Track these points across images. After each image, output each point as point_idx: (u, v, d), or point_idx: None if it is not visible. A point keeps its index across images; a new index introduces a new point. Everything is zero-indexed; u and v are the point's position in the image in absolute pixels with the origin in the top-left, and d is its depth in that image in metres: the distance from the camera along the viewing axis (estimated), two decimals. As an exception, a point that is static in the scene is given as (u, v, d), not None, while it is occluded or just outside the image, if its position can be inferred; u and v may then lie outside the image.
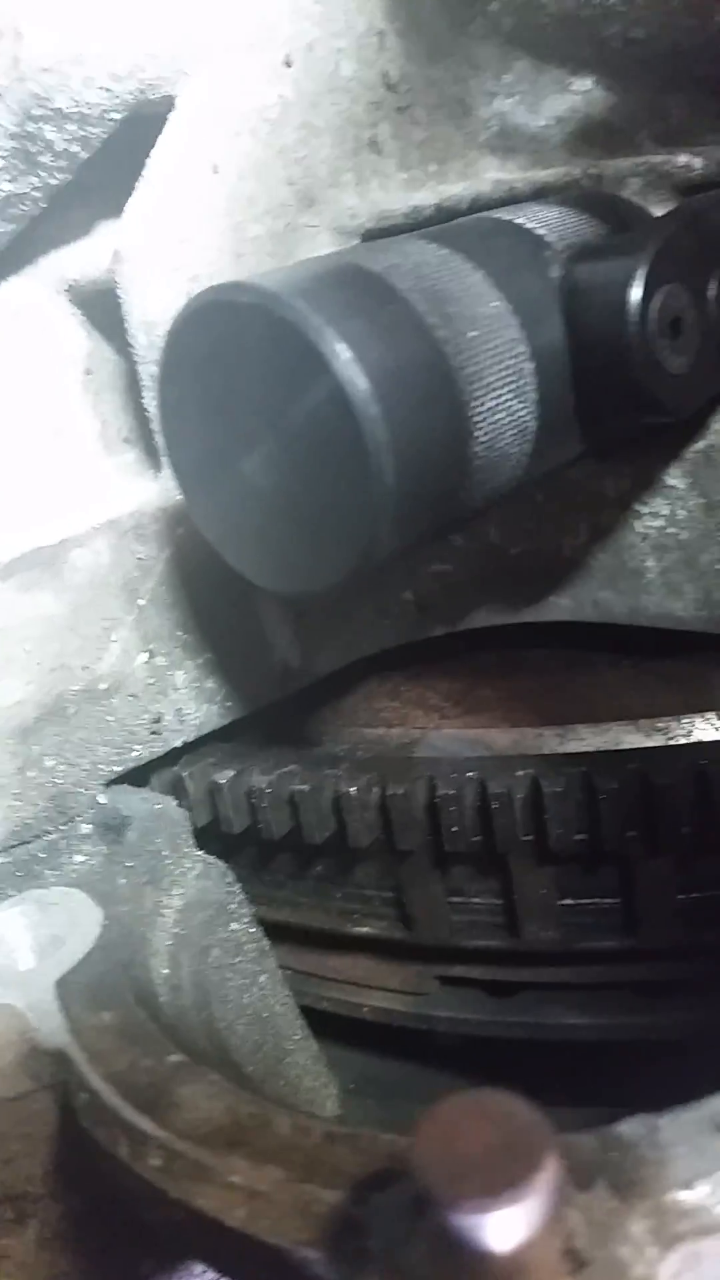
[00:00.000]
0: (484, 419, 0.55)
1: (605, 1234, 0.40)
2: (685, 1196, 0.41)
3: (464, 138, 0.83)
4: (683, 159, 0.74)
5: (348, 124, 0.82)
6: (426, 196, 0.81)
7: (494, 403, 0.56)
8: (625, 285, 0.58)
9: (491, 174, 0.82)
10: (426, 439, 0.52)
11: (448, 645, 0.90)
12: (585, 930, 0.78)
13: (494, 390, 0.55)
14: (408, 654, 0.90)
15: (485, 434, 0.56)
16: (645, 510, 0.78)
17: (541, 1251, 0.37)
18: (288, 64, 0.79)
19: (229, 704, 0.82)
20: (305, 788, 0.77)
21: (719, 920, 0.75)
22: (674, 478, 0.76)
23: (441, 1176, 0.36)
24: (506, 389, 0.56)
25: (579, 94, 0.79)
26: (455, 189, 0.80)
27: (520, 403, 0.57)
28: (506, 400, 0.56)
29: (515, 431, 0.58)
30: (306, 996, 0.92)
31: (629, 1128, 0.44)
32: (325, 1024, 0.96)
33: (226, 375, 0.55)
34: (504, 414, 0.56)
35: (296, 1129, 0.48)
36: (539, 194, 0.75)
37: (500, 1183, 0.36)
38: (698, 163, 0.73)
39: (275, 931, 0.90)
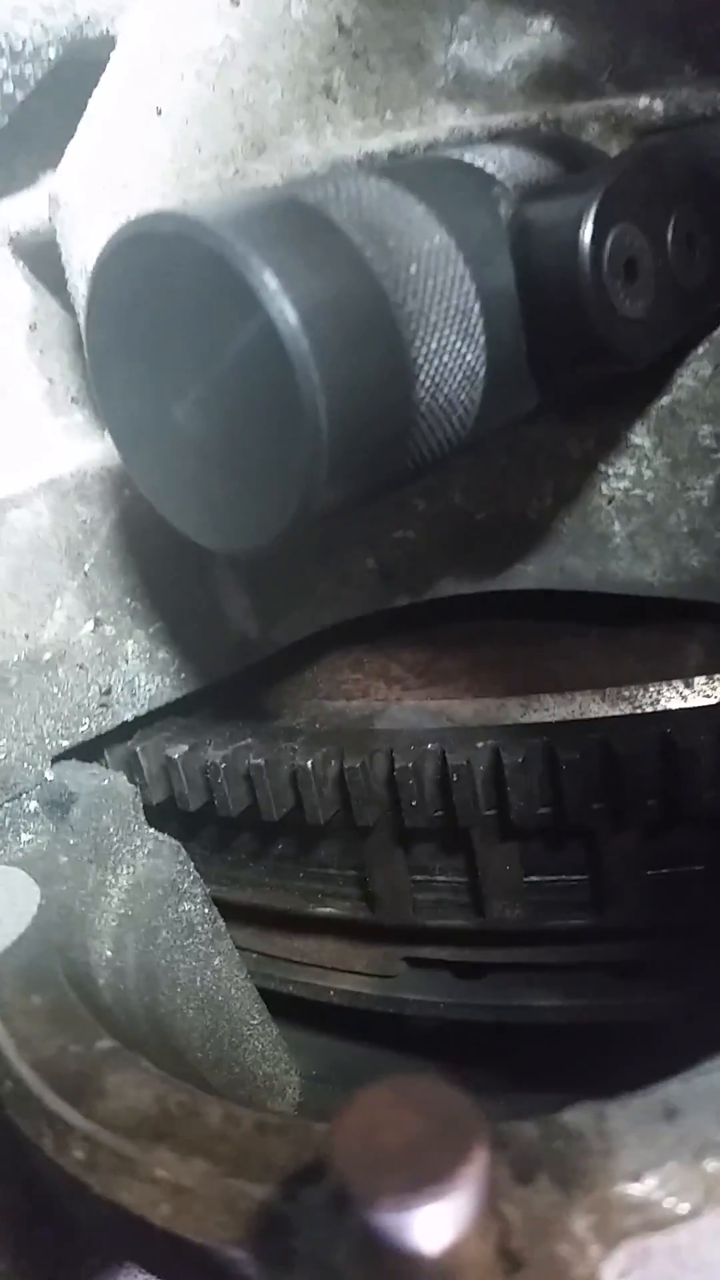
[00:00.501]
0: (427, 360, 0.52)
1: (545, 1231, 0.36)
2: (632, 1189, 0.38)
3: (420, 84, 0.79)
4: (643, 101, 0.70)
5: (299, 69, 0.78)
6: (381, 143, 0.77)
7: (437, 343, 0.52)
8: (576, 223, 0.55)
9: (449, 121, 0.78)
10: (363, 379, 0.49)
11: (414, 616, 0.86)
12: (552, 908, 0.75)
13: (437, 330, 0.52)
14: (372, 625, 0.87)
15: (429, 377, 0.52)
16: (610, 471, 0.75)
17: (473, 1251, 0.34)
18: (235, 3, 0.75)
19: (183, 676, 0.79)
20: (261, 762, 0.74)
21: (690, 897, 0.72)
22: (639, 436, 0.73)
23: (360, 1171, 0.33)
24: (451, 329, 0.53)
25: (537, 36, 0.76)
26: (410, 135, 0.76)
27: (467, 345, 0.54)
28: (452, 341, 0.53)
29: (462, 376, 0.54)
30: (272, 980, 0.89)
31: (574, 1115, 0.41)
32: (292, 1008, 0.93)
33: (154, 315, 0.51)
34: (449, 356, 0.53)
35: (227, 1119, 0.45)
36: (496, 140, 0.72)
37: (424, 1177, 0.33)
38: (658, 105, 0.70)
39: (238, 913, 0.87)
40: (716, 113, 0.69)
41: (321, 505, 0.51)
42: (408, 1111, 0.34)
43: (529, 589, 0.81)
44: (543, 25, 0.75)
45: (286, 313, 0.46)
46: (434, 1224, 0.33)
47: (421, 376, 0.52)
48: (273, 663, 0.85)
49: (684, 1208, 0.37)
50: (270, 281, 0.46)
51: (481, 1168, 0.33)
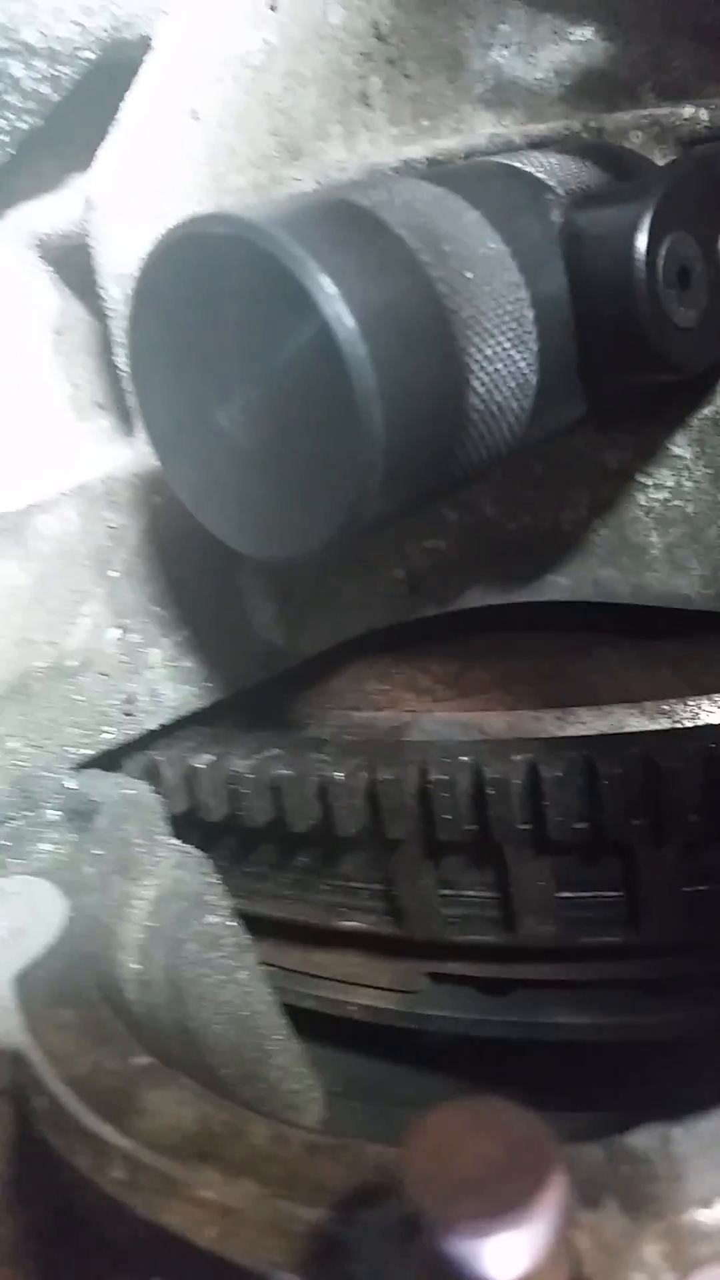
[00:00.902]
0: (481, 367, 0.51)
1: (616, 1259, 0.35)
2: (704, 1216, 0.37)
3: (457, 91, 0.79)
4: (688, 111, 0.69)
5: (336, 74, 0.78)
6: (419, 150, 0.76)
7: (492, 350, 0.51)
8: (631, 231, 0.54)
9: (487, 129, 0.77)
10: (419, 385, 0.48)
11: (442, 626, 0.85)
12: (585, 925, 0.73)
13: (492, 336, 0.51)
14: (400, 635, 0.86)
15: (483, 384, 0.51)
16: (649, 482, 0.74)
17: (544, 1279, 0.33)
18: (272, 8, 0.75)
19: (208, 684, 0.78)
20: (289, 773, 0.73)
21: (726, 915, 0.71)
22: (679, 446, 0.72)
23: (433, 1196, 0.32)
24: (505, 336, 0.52)
25: (578, 44, 0.75)
26: (449, 143, 0.76)
27: (520, 352, 0.53)
28: (505, 348, 0.52)
29: (515, 384, 0.53)
30: (291, 995, 0.88)
31: (640, 1139, 0.39)
32: (311, 1023, 0.92)
33: (202, 317, 0.50)
34: (502, 363, 0.52)
35: (274, 1139, 0.44)
36: (537, 148, 0.71)
37: (500, 1203, 0.31)
38: (703, 115, 0.69)
39: (258, 926, 0.86)
40: (760, 121, 0.68)
41: (372, 513, 0.50)
42: (480, 1135, 0.33)
43: (560, 600, 0.81)
44: (584, 32, 0.74)
45: (344, 317, 0.45)
46: (509, 1252, 0.31)
47: (475, 383, 0.51)
48: (298, 672, 0.84)
49: (758, 1236, 0.36)
50: (327, 285, 0.45)
51: (559, 1194, 0.32)
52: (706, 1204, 0.37)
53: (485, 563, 0.82)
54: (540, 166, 0.60)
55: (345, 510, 0.49)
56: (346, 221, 0.49)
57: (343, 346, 0.45)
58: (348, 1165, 0.42)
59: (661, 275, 0.55)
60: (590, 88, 0.75)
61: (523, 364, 0.54)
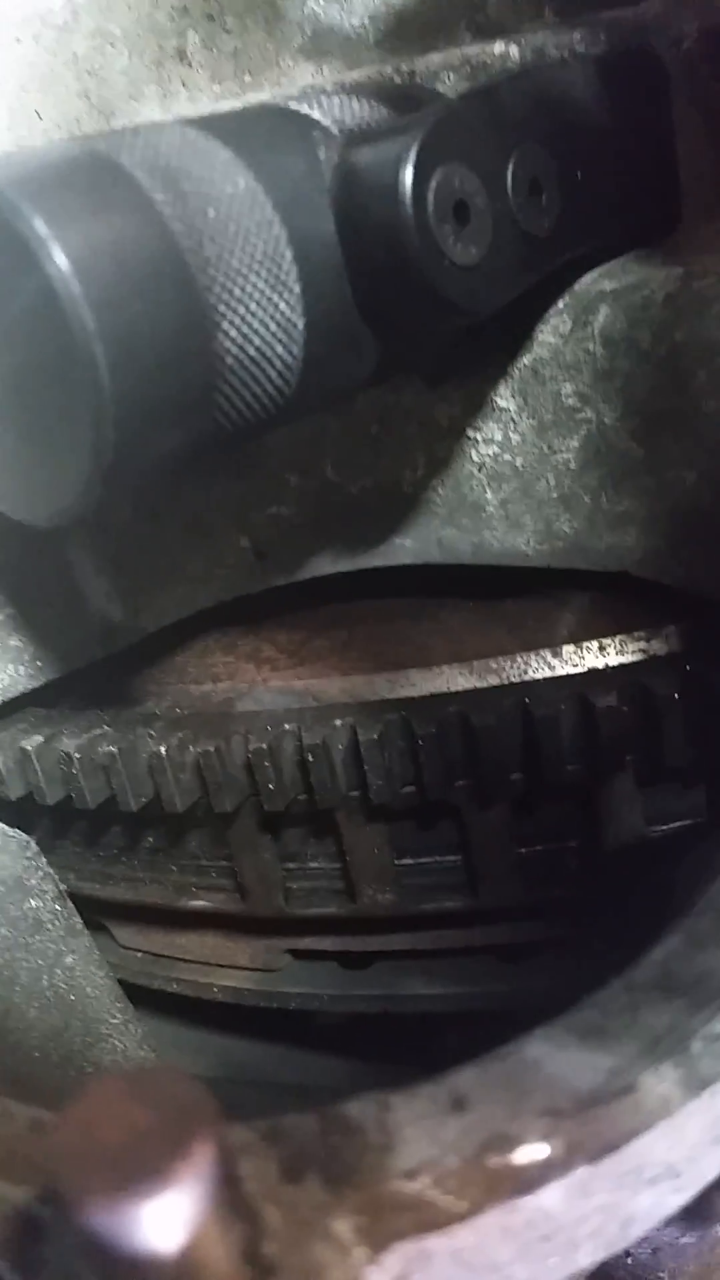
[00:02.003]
0: (230, 309, 0.49)
1: (304, 1234, 0.33)
2: (407, 1187, 0.35)
3: (277, 44, 0.76)
4: (498, 48, 0.67)
5: (149, 31, 0.75)
6: (233, 105, 0.74)
7: (241, 291, 0.49)
8: (397, 164, 0.52)
9: (305, 80, 0.75)
10: (153, 328, 0.46)
11: (297, 596, 0.83)
12: (426, 892, 0.72)
13: (240, 276, 0.49)
14: (256, 607, 0.84)
15: (234, 326, 0.49)
16: (479, 437, 0.72)
17: (211, 1256, 0.31)
18: (74, -37, 0.72)
19: (39, 664, 0.76)
20: (115, 749, 0.71)
21: (565, 874, 0.69)
22: (504, 398, 0.70)
23: (73, 1169, 0.30)
24: (258, 277, 0.50)
25: (391, -13, 0.73)
26: (263, 96, 0.73)
27: (278, 294, 0.51)
28: (259, 289, 0.50)
29: (275, 326, 0.51)
30: (157, 979, 0.86)
31: (356, 1106, 0.37)
32: (184, 1007, 0.90)
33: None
34: (256, 304, 0.50)
35: (1, 1116, 0.42)
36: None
37: (138, 1174, 0.29)
38: (514, 51, 0.67)
39: (118, 911, 0.84)
40: (572, 56, 0.66)
41: (122, 463, 0.47)
42: (135, 1104, 0.31)
43: (410, 564, 0.79)
44: (397, -25, 0.72)
45: (57, 258, 0.43)
46: (155, 1225, 0.29)
47: (224, 325, 0.49)
48: (146, 647, 0.82)
49: (461, 1206, 0.34)
50: (40, 227, 0.43)
51: (203, 1162, 0.30)
52: (411, 1175, 0.35)
53: (331, 528, 0.80)
54: (318, 107, 0.58)
55: (88, 459, 0.46)
56: (76, 166, 0.46)
57: (58, 287, 0.43)
58: (65, 1143, 0.40)
59: (433, 209, 0.52)
60: (405, 31, 0.73)
61: (283, 306, 0.51)
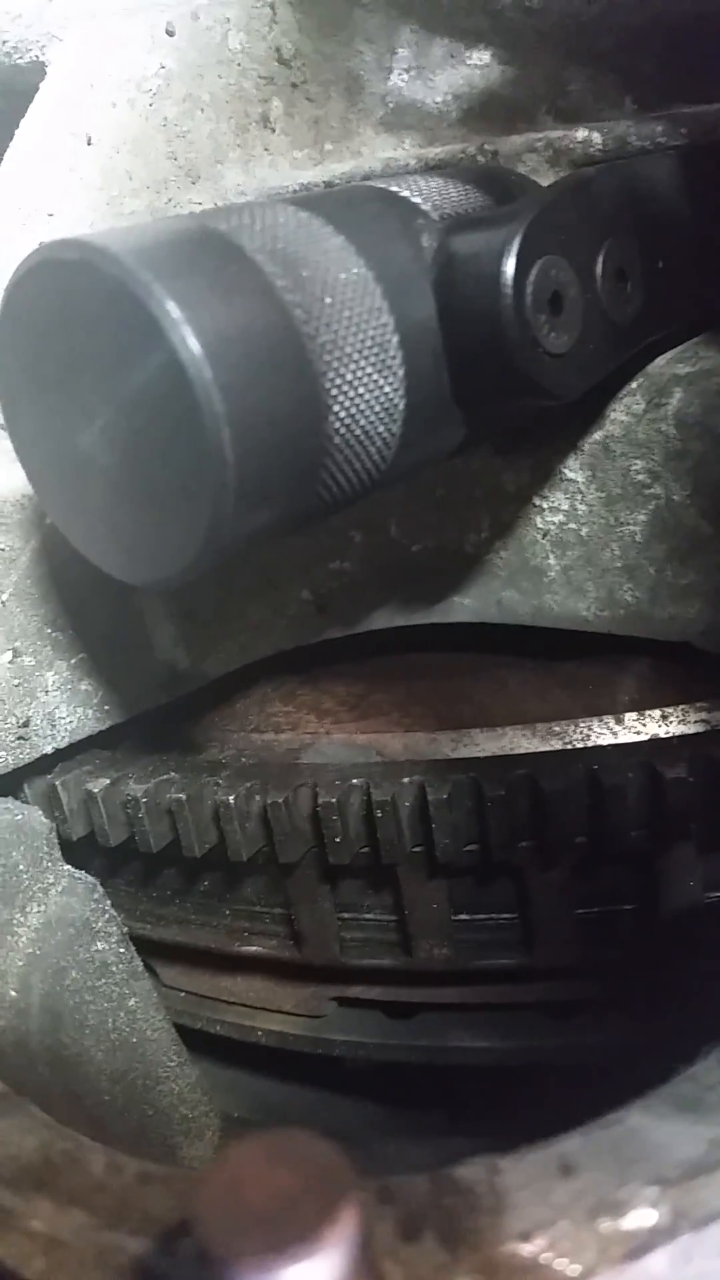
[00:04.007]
0: (342, 392, 0.51)
1: (426, 1291, 0.35)
2: (521, 1249, 0.36)
3: (358, 115, 0.79)
4: (580, 134, 0.70)
5: (236, 98, 0.78)
6: (316, 174, 0.77)
7: (353, 375, 0.51)
8: (499, 256, 0.54)
9: (386, 153, 0.78)
10: (272, 410, 0.48)
11: (352, 648, 0.85)
12: (481, 948, 0.73)
13: (352, 361, 0.51)
14: (310, 657, 0.86)
15: (343, 409, 0.51)
16: (545, 505, 0.75)
17: (345, 1314, 0.32)
18: (170, 32, 0.75)
19: (107, 708, 0.78)
20: (183, 796, 0.72)
21: (619, 936, 0.71)
22: (572, 470, 0.73)
23: (223, 1229, 0.31)
24: (367, 361, 0.52)
25: (475, 68, 0.75)
26: (345, 167, 0.76)
27: (384, 377, 0.53)
28: (367, 373, 0.52)
29: (380, 408, 0.53)
30: (199, 1020, 0.87)
31: (467, 1170, 0.39)
32: (223, 1047, 0.91)
33: (63, 342, 0.50)
34: (365, 388, 0.52)
35: (109, 1168, 0.43)
36: (430, 171, 0.71)
37: (288, 1236, 0.31)
38: (596, 138, 0.70)
39: (165, 951, 0.86)
40: (654, 146, 0.68)
41: (232, 537, 0.49)
42: (278, 1167, 0.33)
43: (466, 622, 0.81)
44: (481, 56, 0.75)
45: (189, 341, 0.45)
46: (302, 1287, 0.31)
47: (335, 408, 0.51)
48: (206, 694, 0.84)
49: (575, 1269, 0.36)
50: (173, 310, 0.45)
51: (349, 1227, 0.31)
52: (526, 1237, 0.37)
53: (391, 584, 0.82)
54: (417, 191, 0.60)
55: (202, 534, 0.48)
56: (200, 246, 0.49)
57: (188, 370, 0.45)
58: (178, 1195, 0.41)
59: (530, 300, 0.55)
60: (487, 111, 0.75)
61: (388, 389, 0.53)
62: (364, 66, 0.78)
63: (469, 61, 0.75)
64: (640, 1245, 0.36)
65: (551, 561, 0.76)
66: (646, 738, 0.70)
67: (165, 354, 0.45)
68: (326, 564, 0.82)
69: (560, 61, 0.73)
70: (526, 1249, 0.36)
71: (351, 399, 0.52)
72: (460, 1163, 0.40)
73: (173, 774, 0.75)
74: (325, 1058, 0.86)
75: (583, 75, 0.73)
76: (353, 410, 0.52)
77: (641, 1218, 0.37)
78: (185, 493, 0.48)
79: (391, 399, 0.54)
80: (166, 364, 0.45)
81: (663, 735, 0.70)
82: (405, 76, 0.77)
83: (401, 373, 0.54)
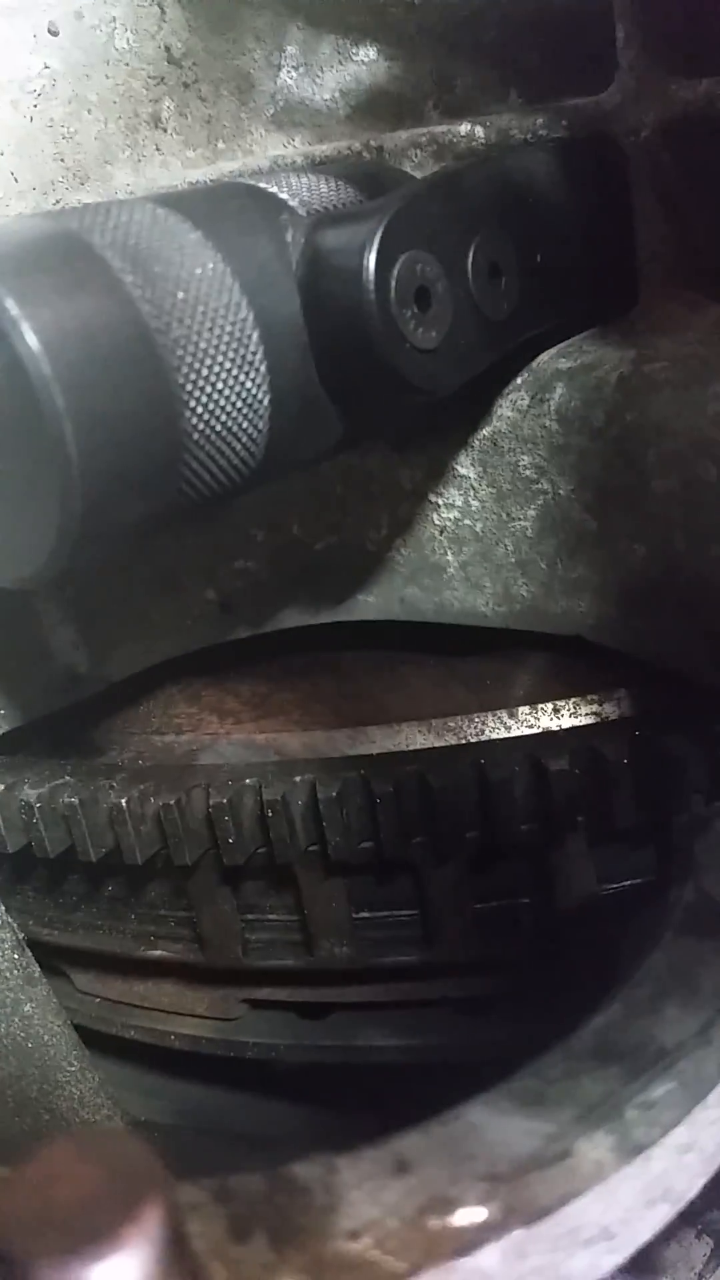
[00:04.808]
0: (197, 388, 0.51)
1: (249, 1291, 0.35)
2: (350, 1247, 0.36)
3: (249, 114, 0.79)
4: (464, 128, 0.70)
5: (125, 98, 0.77)
6: (206, 173, 0.77)
7: (209, 370, 0.51)
8: (361, 251, 0.54)
9: (275, 150, 0.77)
10: (121, 406, 0.47)
11: (263, 648, 0.85)
12: (382, 945, 0.73)
13: (208, 356, 0.51)
14: (220, 658, 0.85)
15: (201, 405, 0.51)
16: (441, 501, 0.74)
17: (156, 1315, 0.32)
18: (53, 32, 0.74)
19: (2, 712, 0.77)
20: (76, 800, 0.72)
21: (518, 930, 0.71)
22: (464, 467, 0.72)
23: (22, 1231, 0.31)
24: (225, 357, 0.52)
25: (362, 64, 0.75)
26: (233, 165, 0.76)
27: (244, 373, 0.53)
28: (225, 369, 0.52)
29: (241, 404, 0.53)
30: (115, 1025, 0.87)
31: (304, 1168, 0.39)
32: (138, 1052, 0.91)
33: None
34: (223, 384, 0.52)
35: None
36: (317, 169, 0.71)
37: (88, 1236, 0.31)
38: (479, 132, 0.70)
39: (77, 957, 0.85)
40: (536, 139, 0.68)
41: (87, 534, 0.49)
42: (87, 1166, 0.33)
43: (372, 620, 0.80)
44: (367, 52, 0.74)
45: (29, 338, 0.44)
46: (103, 1289, 0.31)
47: (191, 403, 0.50)
48: (110, 696, 0.83)
49: (402, 1266, 0.36)
50: (11, 307, 0.44)
51: (152, 1225, 0.31)
52: (354, 1235, 0.36)
53: (296, 582, 0.82)
54: (286, 187, 0.60)
55: (54, 531, 0.48)
56: (47, 245, 0.48)
57: (27, 366, 0.45)
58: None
59: (395, 295, 0.54)
60: (374, 108, 0.75)
61: (249, 384, 0.53)
62: (254, 65, 0.77)
63: (356, 58, 0.75)
64: (470, 1242, 0.36)
65: (450, 558, 0.76)
66: (537, 731, 0.70)
67: (4, 351, 0.45)
68: (230, 563, 0.82)
69: (445, 56, 0.73)
70: (353, 1247, 0.36)
71: (209, 394, 0.51)
72: (297, 1160, 0.39)
73: (68, 778, 0.74)
74: (246, 1060, 0.86)
75: (468, 69, 0.72)
76: (211, 406, 0.52)
77: (470, 1214, 0.37)
78: (35, 491, 0.47)
79: (253, 394, 0.54)
80: (7, 361, 0.45)
81: (553, 728, 0.70)
82: (294, 74, 0.77)
83: (264, 368, 0.54)
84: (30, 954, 0.72)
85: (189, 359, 0.50)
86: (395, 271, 0.54)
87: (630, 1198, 0.39)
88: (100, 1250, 0.30)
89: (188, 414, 0.51)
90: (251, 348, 0.53)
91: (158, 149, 0.79)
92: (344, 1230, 0.36)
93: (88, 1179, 0.32)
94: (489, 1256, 0.36)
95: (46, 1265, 0.30)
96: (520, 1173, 0.38)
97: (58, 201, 0.75)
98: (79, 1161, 0.33)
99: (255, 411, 0.54)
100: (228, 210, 0.56)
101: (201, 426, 0.52)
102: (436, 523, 0.75)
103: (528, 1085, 0.41)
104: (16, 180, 0.74)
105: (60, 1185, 0.32)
